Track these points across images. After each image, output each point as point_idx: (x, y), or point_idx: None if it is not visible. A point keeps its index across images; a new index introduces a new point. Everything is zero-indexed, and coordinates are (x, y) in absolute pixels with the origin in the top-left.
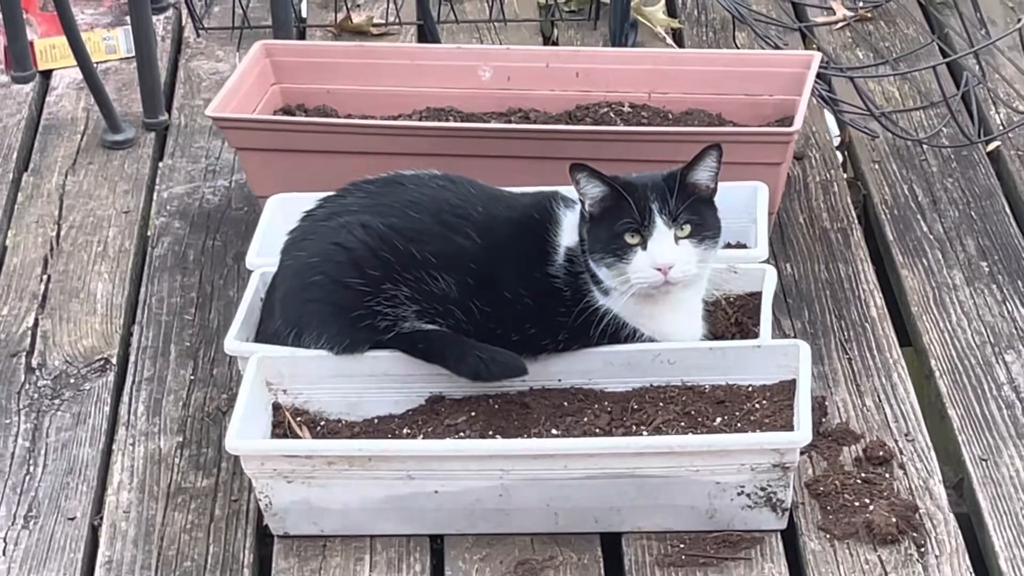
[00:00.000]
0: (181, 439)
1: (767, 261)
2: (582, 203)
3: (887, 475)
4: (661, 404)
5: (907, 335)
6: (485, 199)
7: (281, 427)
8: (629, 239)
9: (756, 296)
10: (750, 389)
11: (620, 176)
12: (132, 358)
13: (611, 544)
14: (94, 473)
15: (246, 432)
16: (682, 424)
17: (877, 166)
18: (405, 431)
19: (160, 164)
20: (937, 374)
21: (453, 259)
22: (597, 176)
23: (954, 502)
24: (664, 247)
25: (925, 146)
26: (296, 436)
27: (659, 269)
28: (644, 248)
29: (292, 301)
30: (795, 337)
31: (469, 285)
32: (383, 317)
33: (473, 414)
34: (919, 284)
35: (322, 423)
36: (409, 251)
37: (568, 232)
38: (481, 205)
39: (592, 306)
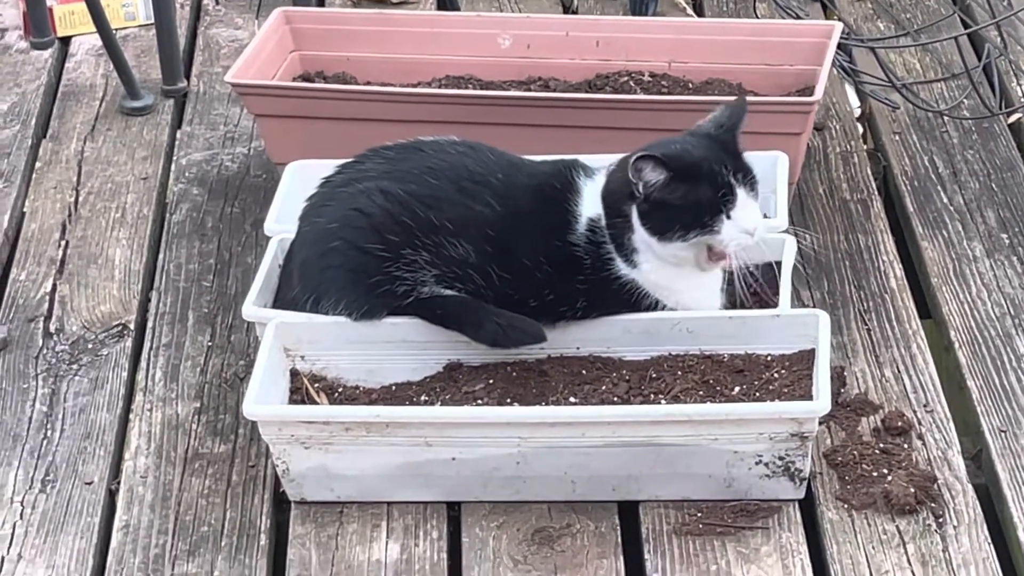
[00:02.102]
0: (198, 405)
1: (786, 231)
2: (640, 192)
3: (905, 446)
4: (680, 373)
5: (927, 306)
6: (505, 166)
7: (299, 393)
8: (713, 212)
9: (775, 266)
10: (769, 358)
11: (677, 155)
12: (150, 324)
13: (628, 512)
14: (111, 438)
15: (264, 398)
16: (700, 393)
17: (897, 137)
18: (423, 398)
19: (178, 131)
20: (956, 345)
21: (472, 225)
22: (663, 164)
23: (972, 473)
24: (748, 211)
25: (946, 118)
26: (314, 402)
27: (748, 232)
28: (729, 217)
29: (311, 267)
30: (814, 307)
31: (488, 251)
32: (402, 282)
33: (491, 381)
34: (939, 255)
35: (340, 389)
36: (428, 217)
37: (589, 202)
38: (501, 172)
39: (614, 275)
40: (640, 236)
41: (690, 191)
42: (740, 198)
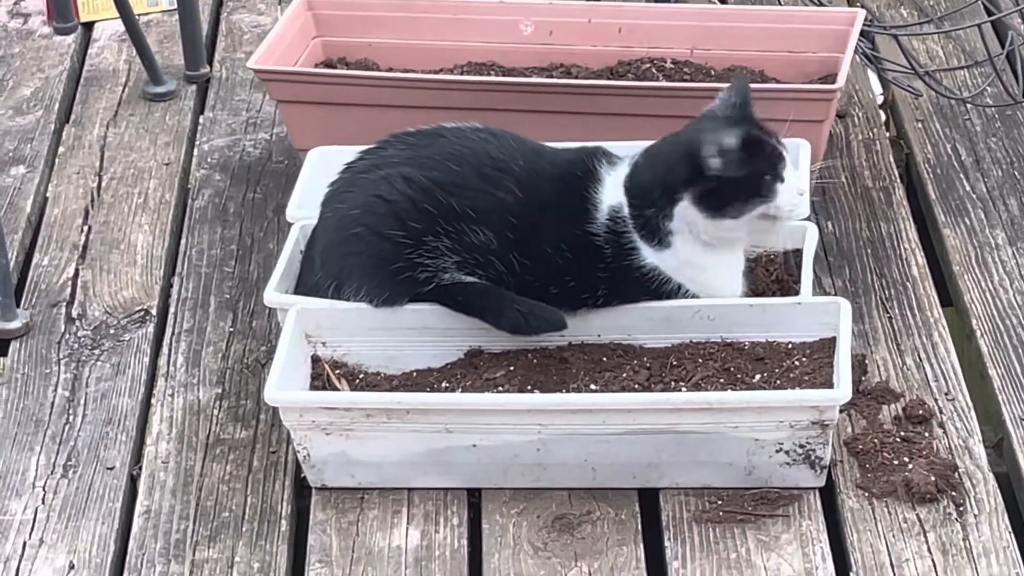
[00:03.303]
0: (220, 391)
1: (808, 219)
2: (712, 170)
3: (927, 434)
4: (700, 360)
5: (948, 294)
6: (527, 153)
7: (320, 380)
8: (772, 180)
9: (797, 253)
10: (790, 346)
11: (741, 132)
12: (172, 309)
13: (648, 500)
14: (133, 423)
15: (285, 384)
16: (721, 380)
17: (920, 125)
18: (443, 385)
19: (201, 117)
20: (978, 333)
21: (493, 213)
22: (737, 141)
23: (994, 462)
24: (794, 174)
25: (969, 105)
26: (335, 388)
27: (800, 193)
28: (783, 181)
29: (332, 253)
30: (835, 295)
31: (509, 238)
32: (423, 269)
33: (512, 368)
34: (961, 243)
35: (361, 376)
36: (450, 204)
37: (611, 190)
38: (523, 159)
39: (636, 264)
40: (683, 219)
41: (754, 164)
42: (787, 162)
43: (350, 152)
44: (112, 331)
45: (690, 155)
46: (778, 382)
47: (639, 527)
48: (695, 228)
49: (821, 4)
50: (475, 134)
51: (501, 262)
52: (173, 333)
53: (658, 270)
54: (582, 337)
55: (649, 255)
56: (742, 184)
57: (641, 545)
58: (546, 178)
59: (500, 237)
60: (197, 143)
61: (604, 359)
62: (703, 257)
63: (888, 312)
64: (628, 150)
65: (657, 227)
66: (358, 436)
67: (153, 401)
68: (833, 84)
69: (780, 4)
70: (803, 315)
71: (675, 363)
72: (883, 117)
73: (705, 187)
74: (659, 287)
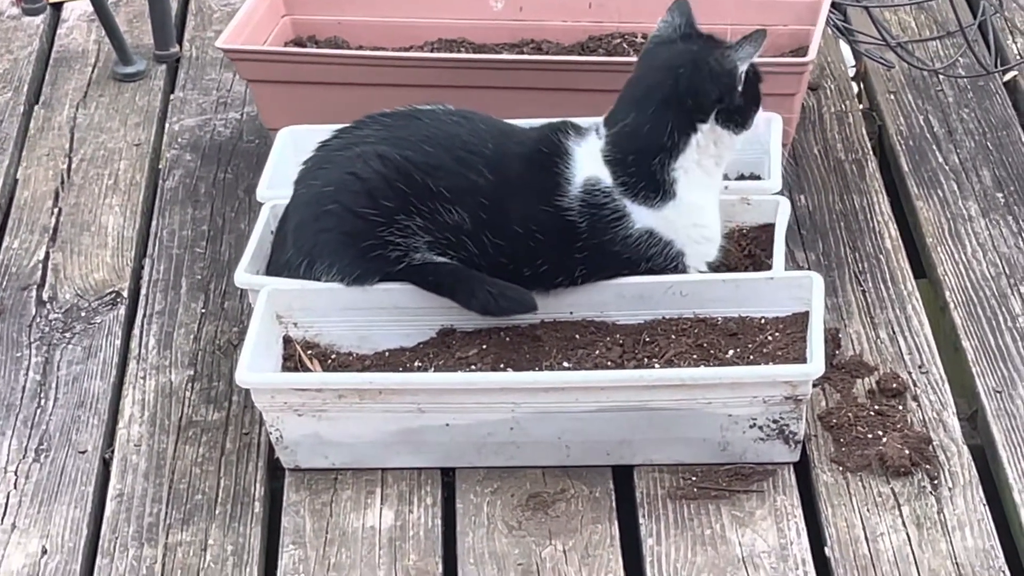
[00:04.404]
0: (192, 372)
1: (780, 193)
2: (743, 77)
3: (901, 407)
4: (673, 336)
5: (922, 267)
6: (495, 135)
7: (292, 360)
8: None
9: (769, 228)
10: (763, 321)
11: (738, 43)
12: (143, 291)
13: (623, 477)
14: (105, 406)
15: (257, 365)
16: (694, 356)
17: (892, 97)
18: (416, 364)
19: (171, 96)
20: (952, 306)
21: (466, 194)
22: (751, 55)
23: (968, 434)
24: None
25: (941, 76)
26: (307, 369)
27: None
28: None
29: (305, 230)
30: (809, 269)
31: (481, 219)
32: (395, 248)
33: (484, 347)
34: (934, 215)
35: (333, 356)
36: (424, 184)
37: (584, 163)
38: (492, 141)
39: (622, 236)
40: (698, 150)
41: (752, 78)
42: None
43: (321, 131)
44: (83, 314)
45: (715, 73)
46: (751, 357)
47: (613, 504)
48: (712, 153)
49: None
50: (448, 117)
51: (474, 243)
52: (145, 315)
53: (652, 234)
54: (555, 315)
55: (643, 218)
56: (754, 90)
57: (616, 522)
58: (514, 158)
59: (473, 218)
60: (167, 123)
61: (577, 336)
62: (706, 197)
63: (861, 285)
64: (596, 123)
65: (660, 179)
66: (331, 417)
67: (125, 384)
68: (805, 57)
69: None
70: (776, 290)
71: (648, 339)
72: (855, 89)
73: (733, 101)
74: (649, 255)
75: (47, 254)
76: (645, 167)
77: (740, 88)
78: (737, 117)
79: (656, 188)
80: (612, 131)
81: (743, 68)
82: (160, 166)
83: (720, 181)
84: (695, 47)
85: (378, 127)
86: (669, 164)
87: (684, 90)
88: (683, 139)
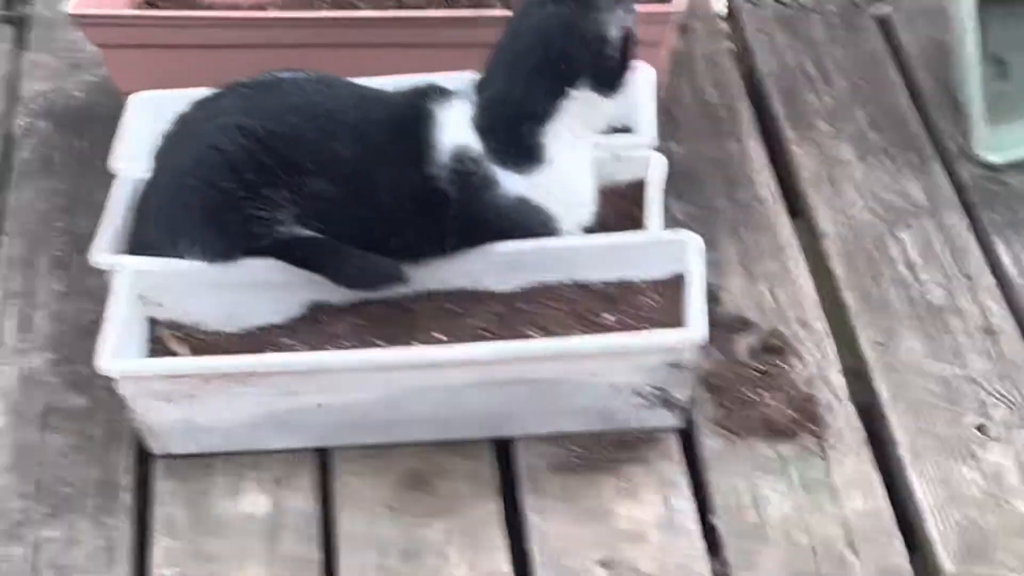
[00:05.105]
0: (55, 356)
1: (654, 148)
2: (618, 36)
3: (784, 365)
4: (550, 303)
5: (800, 215)
6: (360, 101)
7: (158, 343)
8: None
9: (644, 184)
10: (642, 284)
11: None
12: (0, 271)
13: (504, 451)
14: None
15: (120, 351)
16: (572, 324)
17: (764, 36)
18: (286, 341)
19: (21, 59)
20: (831, 255)
21: (330, 165)
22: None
23: (853, 390)
24: None
25: (813, 14)
26: (173, 353)
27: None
28: None
29: (166, 207)
30: (685, 222)
31: (347, 191)
32: (260, 222)
33: (356, 321)
34: (810, 160)
35: (201, 336)
36: (287, 155)
37: (452, 129)
38: (356, 109)
39: (493, 203)
40: (569, 115)
41: (627, 32)
42: None
43: (174, 97)
44: None
45: (586, 38)
46: (631, 322)
47: (496, 481)
48: (584, 118)
49: None
50: (310, 84)
51: (341, 215)
52: (2, 296)
53: (523, 201)
54: (428, 285)
55: (514, 185)
56: (626, 52)
57: (499, 499)
58: (378, 125)
59: (338, 189)
60: (18, 88)
61: (451, 307)
62: (579, 161)
63: (738, 237)
64: (463, 85)
65: (530, 145)
66: (200, 401)
67: None
68: (671, 4)
69: None
70: (653, 251)
71: (524, 307)
72: (725, 29)
73: (605, 65)
74: (521, 222)
75: None
76: (515, 134)
77: (612, 52)
78: (610, 81)
79: (527, 154)
80: (482, 97)
81: (615, 32)
82: (12, 134)
83: (593, 143)
84: (566, 10)
85: (238, 97)
86: (540, 130)
87: (555, 55)
88: (554, 105)
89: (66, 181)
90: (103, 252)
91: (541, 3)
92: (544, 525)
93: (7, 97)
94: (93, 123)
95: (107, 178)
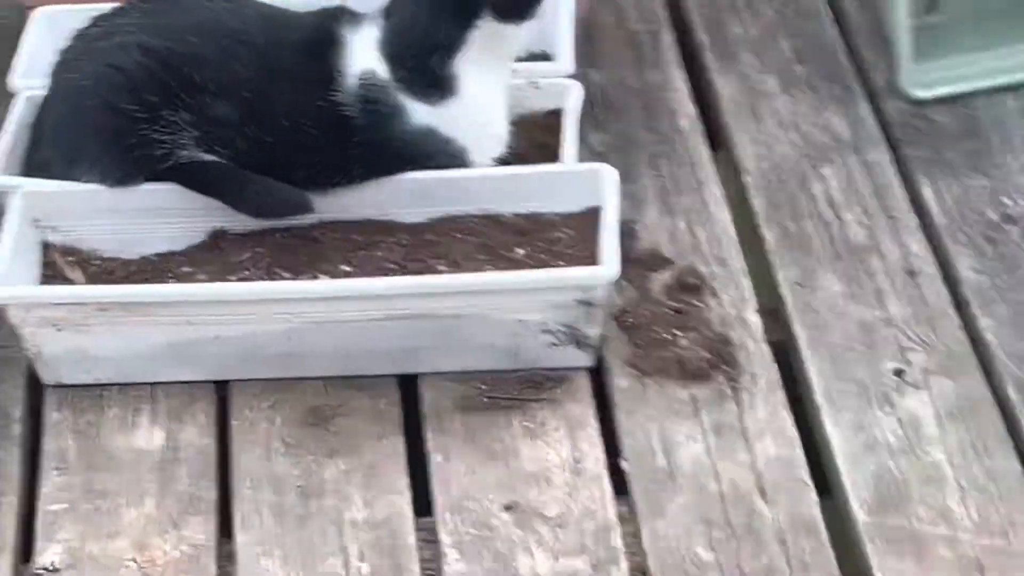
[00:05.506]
0: None
1: (573, 76)
2: None
3: (699, 304)
4: (459, 236)
5: (720, 147)
6: (265, 22)
7: (51, 268)
8: None
9: (561, 113)
10: (555, 217)
11: None
12: None
13: (409, 387)
14: None
15: (12, 276)
16: (481, 257)
17: None
18: (184, 270)
19: None
20: (751, 190)
21: (233, 87)
22: None
23: (769, 331)
24: None
25: None
26: (67, 280)
27: None
28: None
29: (63, 127)
30: (603, 152)
31: (251, 114)
32: (161, 146)
33: (258, 250)
34: (733, 91)
35: (97, 262)
36: (189, 76)
37: (360, 54)
38: (261, 29)
39: (399, 132)
40: (476, 45)
41: None
42: None
43: (81, 12)
44: None
45: None
46: (542, 256)
47: (399, 418)
48: (494, 47)
49: None
50: (213, 3)
51: (244, 139)
52: None
53: (432, 131)
54: (334, 214)
55: (422, 115)
56: None
57: (402, 437)
58: (286, 47)
59: (242, 112)
60: None
61: (357, 237)
62: (490, 92)
63: (657, 170)
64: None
65: (439, 76)
66: (94, 330)
67: None
68: None
69: None
70: (566, 184)
71: (432, 239)
72: None
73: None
74: (429, 152)
75: None
76: (423, 63)
77: None
78: (518, 8)
79: (436, 85)
80: (388, 23)
81: None
82: None
83: (507, 72)
84: None
85: (139, 15)
86: (448, 60)
87: None
88: (461, 35)
89: None
90: None
91: None
92: (447, 465)
93: None
94: None
95: (7, 95)
